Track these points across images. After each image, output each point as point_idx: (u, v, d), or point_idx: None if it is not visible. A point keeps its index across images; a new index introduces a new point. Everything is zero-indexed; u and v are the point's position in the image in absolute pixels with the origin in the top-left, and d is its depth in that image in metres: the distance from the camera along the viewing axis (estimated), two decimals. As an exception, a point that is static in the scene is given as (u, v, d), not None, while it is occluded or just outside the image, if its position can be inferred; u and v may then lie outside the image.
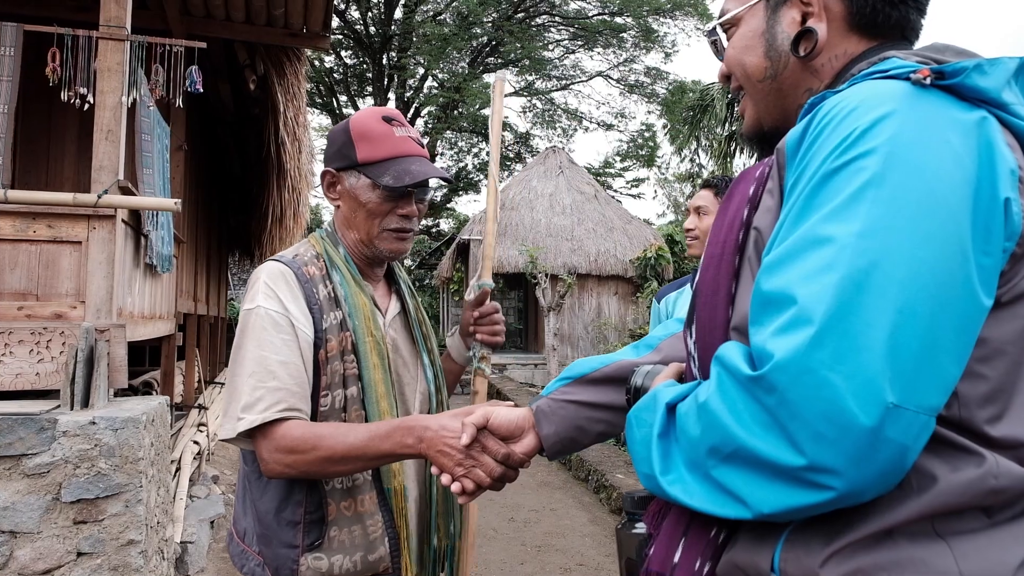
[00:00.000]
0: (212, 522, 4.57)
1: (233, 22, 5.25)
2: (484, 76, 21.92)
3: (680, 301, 2.73)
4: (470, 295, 1.64)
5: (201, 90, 3.84)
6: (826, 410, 0.65)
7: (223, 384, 9.34)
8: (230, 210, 10.34)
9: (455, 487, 1.19)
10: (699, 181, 18.85)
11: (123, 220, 3.68)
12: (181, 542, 3.87)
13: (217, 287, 10.49)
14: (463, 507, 1.55)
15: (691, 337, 0.91)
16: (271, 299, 1.36)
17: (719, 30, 1.01)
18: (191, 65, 3.83)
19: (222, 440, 1.34)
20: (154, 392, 5.87)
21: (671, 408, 0.83)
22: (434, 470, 1.23)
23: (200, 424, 6.26)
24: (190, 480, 4.99)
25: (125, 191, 3.65)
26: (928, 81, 0.74)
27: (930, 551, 0.70)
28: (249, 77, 5.57)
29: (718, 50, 1.02)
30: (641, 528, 1.00)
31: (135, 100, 3.73)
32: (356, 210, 1.46)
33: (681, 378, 0.96)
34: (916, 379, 0.66)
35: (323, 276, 1.43)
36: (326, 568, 1.35)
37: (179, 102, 3.87)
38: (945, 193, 0.69)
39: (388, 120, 1.46)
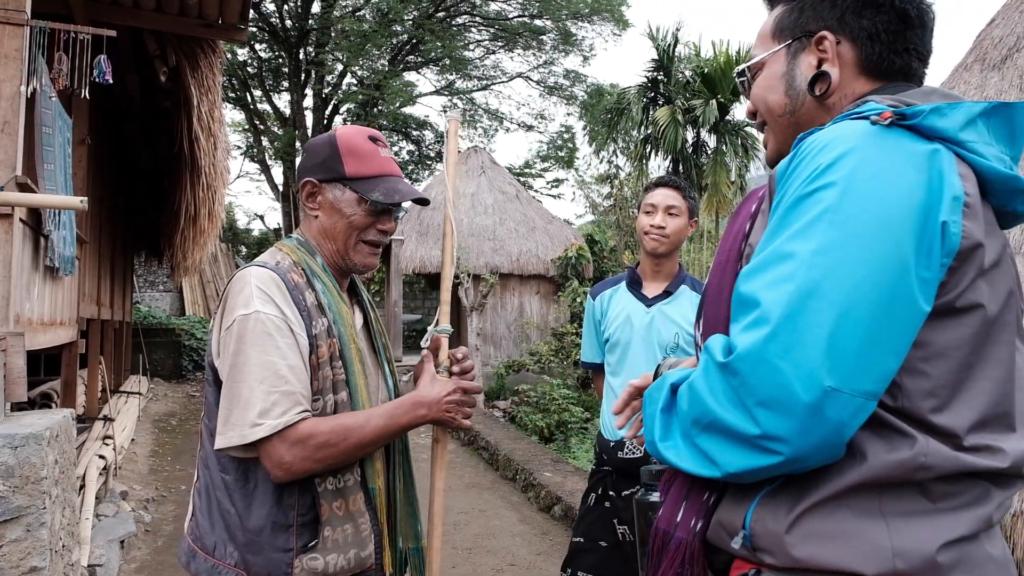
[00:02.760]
0: (123, 542, 4.29)
1: (142, 10, 4.93)
2: (405, 74, 21.61)
3: (615, 298, 2.71)
4: (425, 342, 1.65)
5: (111, 81, 3.59)
6: (776, 391, 0.82)
7: (130, 393, 8.84)
8: (137, 209, 9.79)
9: (465, 423, 1.49)
10: (616, 182, 19.20)
11: (21, 219, 3.40)
12: (89, 566, 3.61)
13: (122, 290, 9.92)
14: (431, 509, 1.61)
15: (699, 330, 1.05)
16: (268, 304, 1.37)
17: (747, 72, 1.14)
18: (99, 54, 3.57)
19: (220, 448, 1.35)
20: (53, 404, 5.47)
21: (674, 388, 0.97)
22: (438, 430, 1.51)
23: (106, 437, 5.88)
24: (96, 497, 4.67)
25: (24, 188, 3.37)
26: (887, 122, 0.87)
27: (869, 525, 0.85)
28: (160, 68, 5.27)
29: (745, 89, 1.15)
30: (654, 497, 1.14)
31: (35, 90, 3.44)
32: (337, 222, 1.50)
33: None
34: (853, 368, 0.81)
35: (306, 284, 1.45)
36: (321, 567, 1.38)
37: (85, 93, 3.60)
38: (891, 219, 0.83)
39: (374, 140, 1.52)
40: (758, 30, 1.15)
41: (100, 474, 4.99)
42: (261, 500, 1.39)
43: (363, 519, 1.45)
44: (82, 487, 4.49)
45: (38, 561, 2.81)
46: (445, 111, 23.64)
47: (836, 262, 0.82)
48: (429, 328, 1.64)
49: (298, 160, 1.56)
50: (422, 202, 1.56)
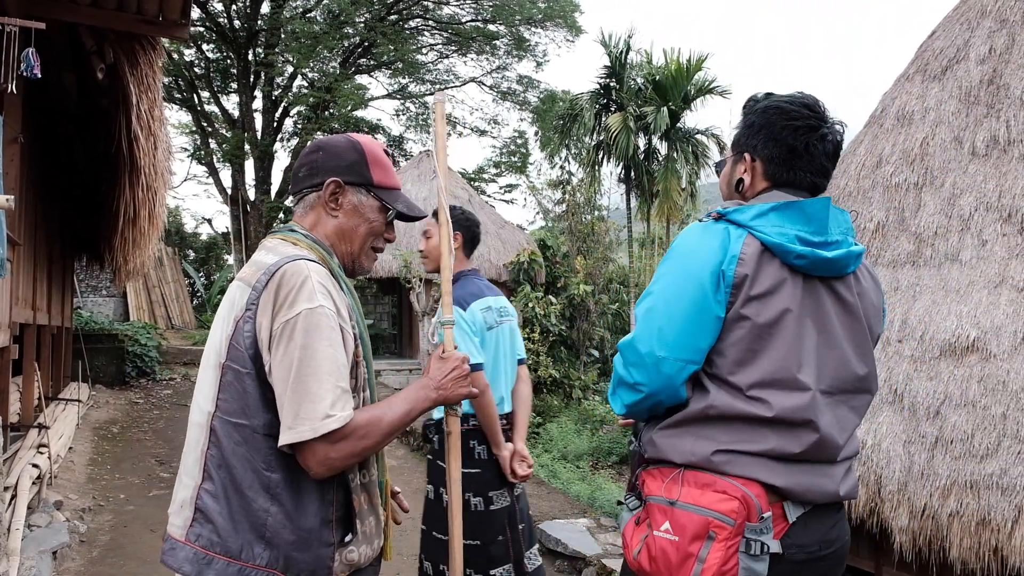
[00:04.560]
0: (55, 553, 4.15)
1: (78, 4, 4.78)
2: (356, 77, 21.40)
3: None
4: (434, 337, 1.75)
5: (39, 75, 3.47)
6: (637, 359, 1.56)
7: (69, 400, 8.54)
8: (76, 210, 9.46)
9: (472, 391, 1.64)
10: (569, 188, 19.34)
11: (-55, 218, 3.27)
12: (18, 577, 3.48)
13: (61, 294, 9.58)
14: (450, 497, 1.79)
15: None
16: (327, 298, 1.43)
17: (719, 165, 1.80)
18: (27, 47, 3.46)
19: (290, 443, 1.37)
20: (-16, 412, 5.26)
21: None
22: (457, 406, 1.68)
23: (41, 445, 5.68)
24: (29, 507, 4.51)
25: (-53, 185, 3.24)
26: (709, 219, 1.61)
27: (684, 438, 1.53)
28: (97, 65, 5.11)
29: (718, 174, 1.79)
30: (634, 446, 1.78)
31: (-41, 84, 3.32)
32: (359, 226, 1.60)
33: None
34: (674, 345, 1.51)
35: (337, 284, 1.51)
36: (355, 559, 1.48)
37: (13, 87, 3.48)
38: (694, 267, 1.52)
39: (388, 153, 1.64)
40: None
41: (33, 483, 4.82)
42: (310, 497, 1.44)
43: (380, 511, 1.58)
44: (13, 497, 4.33)
45: (-39, 572, 2.70)
46: (398, 115, 23.49)
47: (663, 293, 1.55)
48: (434, 320, 1.75)
49: (315, 157, 1.59)
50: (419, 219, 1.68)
